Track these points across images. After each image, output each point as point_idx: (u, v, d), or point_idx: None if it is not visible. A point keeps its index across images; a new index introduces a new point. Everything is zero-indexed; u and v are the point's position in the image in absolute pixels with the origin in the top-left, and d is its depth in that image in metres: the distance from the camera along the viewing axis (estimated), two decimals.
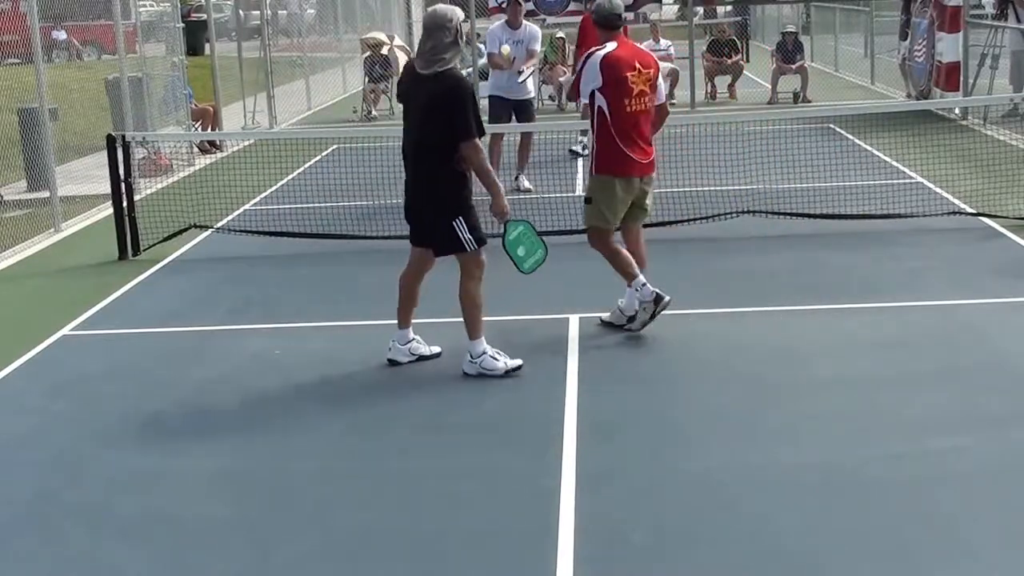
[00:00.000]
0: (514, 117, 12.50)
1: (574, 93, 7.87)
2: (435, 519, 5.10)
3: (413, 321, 7.15)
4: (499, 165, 11.71)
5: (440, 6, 6.63)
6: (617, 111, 7.47)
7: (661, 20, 25.41)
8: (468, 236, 6.69)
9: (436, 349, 7.14)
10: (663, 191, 11.31)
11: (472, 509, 5.21)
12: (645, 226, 10.30)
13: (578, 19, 23.81)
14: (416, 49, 6.54)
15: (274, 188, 13.37)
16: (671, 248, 9.86)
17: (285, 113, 20.25)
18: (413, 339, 7.11)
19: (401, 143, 6.86)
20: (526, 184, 12.64)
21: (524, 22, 13.09)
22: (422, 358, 7.09)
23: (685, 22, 19.39)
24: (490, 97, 12.91)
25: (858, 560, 4.60)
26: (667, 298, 7.41)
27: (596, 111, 7.59)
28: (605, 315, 7.72)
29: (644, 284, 7.40)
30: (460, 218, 6.67)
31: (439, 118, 6.50)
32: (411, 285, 7.07)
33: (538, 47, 13.34)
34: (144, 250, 10.35)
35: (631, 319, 7.54)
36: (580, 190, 12.67)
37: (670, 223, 10.24)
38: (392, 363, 7.05)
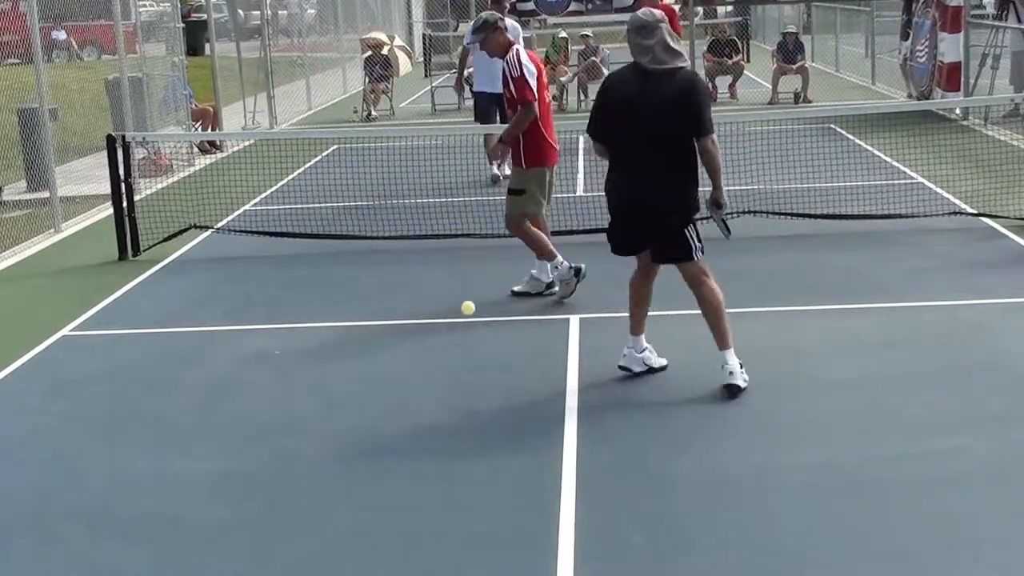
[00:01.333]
0: (498, 112, 12.49)
1: (527, 94, 8.05)
2: (435, 519, 5.10)
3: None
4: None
5: (642, 11, 6.51)
6: (541, 103, 8.13)
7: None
8: (697, 244, 6.51)
9: (663, 361, 6.82)
10: None
11: (472, 509, 5.21)
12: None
13: (578, 19, 23.94)
14: (637, 50, 6.37)
15: (274, 188, 13.36)
16: None
17: (285, 113, 20.25)
18: (647, 348, 6.81)
19: (624, 143, 6.52)
20: (507, 171, 12.74)
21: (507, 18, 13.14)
22: (651, 369, 6.76)
23: (685, 22, 19.39)
24: (476, 94, 12.93)
25: (858, 560, 4.60)
26: (583, 266, 8.11)
27: (539, 98, 8.09)
28: (518, 287, 8.35)
29: (562, 261, 8.11)
30: (693, 225, 6.50)
31: (683, 112, 6.34)
32: (641, 289, 6.76)
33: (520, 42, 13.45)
34: (144, 250, 10.35)
35: (549, 286, 8.29)
36: (581, 190, 12.68)
37: None
38: (624, 370, 6.72)
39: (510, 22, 14.48)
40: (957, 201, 10.96)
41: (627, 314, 8.06)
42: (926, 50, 17.58)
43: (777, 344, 7.27)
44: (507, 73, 8.09)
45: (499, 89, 12.75)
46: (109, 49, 22.16)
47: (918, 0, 18.34)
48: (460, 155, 12.01)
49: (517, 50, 8.15)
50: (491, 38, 8.23)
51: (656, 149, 6.38)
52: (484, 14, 8.51)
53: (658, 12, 6.44)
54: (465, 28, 22.42)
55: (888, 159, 13.59)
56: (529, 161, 8.16)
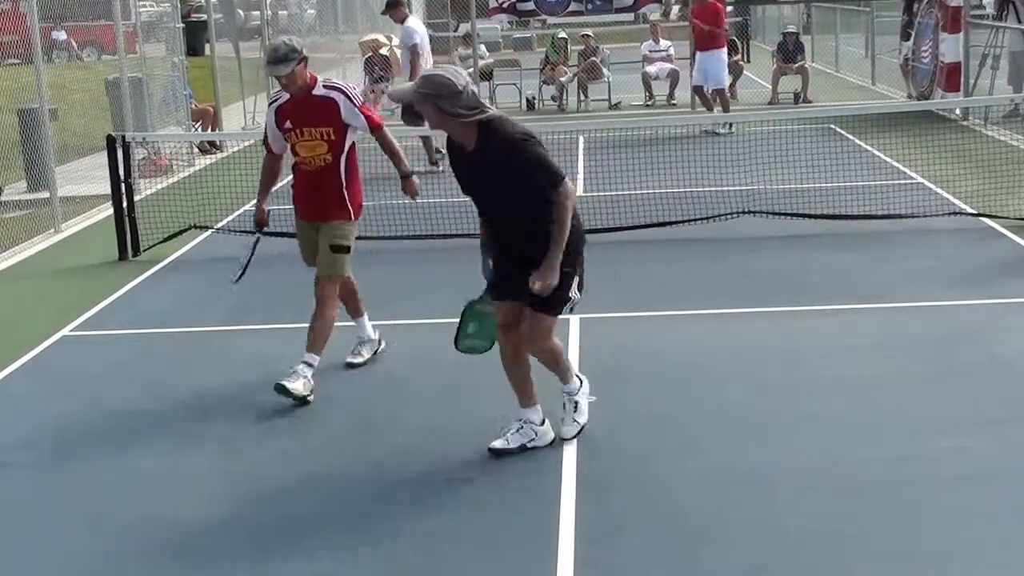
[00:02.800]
0: None
1: (376, 116, 7.01)
2: (436, 520, 5.10)
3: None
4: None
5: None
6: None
7: (661, 21, 25.43)
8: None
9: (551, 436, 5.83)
10: (664, 191, 11.35)
11: (473, 510, 5.21)
12: (647, 226, 10.44)
13: (579, 19, 23.95)
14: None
15: (274, 188, 13.31)
16: (671, 248, 9.88)
17: None
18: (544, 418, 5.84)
19: None
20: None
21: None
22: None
23: (686, 22, 19.40)
24: None
25: (858, 560, 4.60)
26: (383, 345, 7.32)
27: (349, 148, 6.83)
28: (357, 359, 7.17)
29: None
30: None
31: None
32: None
33: (410, 41, 13.85)
34: (144, 250, 10.35)
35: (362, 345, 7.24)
36: (581, 190, 12.67)
37: (670, 223, 10.24)
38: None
39: (416, 23, 14.60)
40: (957, 201, 10.96)
41: (627, 314, 8.10)
42: (930, 51, 17.57)
43: (777, 344, 7.27)
44: (342, 104, 6.66)
45: None
46: (109, 49, 22.15)
47: (920, 0, 18.34)
48: None
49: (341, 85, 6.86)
50: (297, 73, 6.55)
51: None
52: (284, 41, 6.65)
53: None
54: (465, 28, 22.44)
55: (888, 159, 13.59)
56: (356, 211, 6.86)
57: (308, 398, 6.51)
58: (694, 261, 9.46)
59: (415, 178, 7.06)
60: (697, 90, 17.16)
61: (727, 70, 17.14)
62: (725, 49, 17.06)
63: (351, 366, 7.09)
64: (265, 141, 7.05)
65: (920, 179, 12.10)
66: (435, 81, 5.29)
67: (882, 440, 5.73)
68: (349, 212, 6.83)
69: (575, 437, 5.82)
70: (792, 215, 10.37)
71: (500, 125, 5.37)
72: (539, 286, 5.34)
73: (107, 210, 11.32)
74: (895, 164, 13.23)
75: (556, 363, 5.89)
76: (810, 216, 10.34)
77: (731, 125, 15.70)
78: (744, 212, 10.43)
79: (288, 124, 6.74)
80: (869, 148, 14.41)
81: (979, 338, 7.26)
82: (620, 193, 11.80)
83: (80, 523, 5.24)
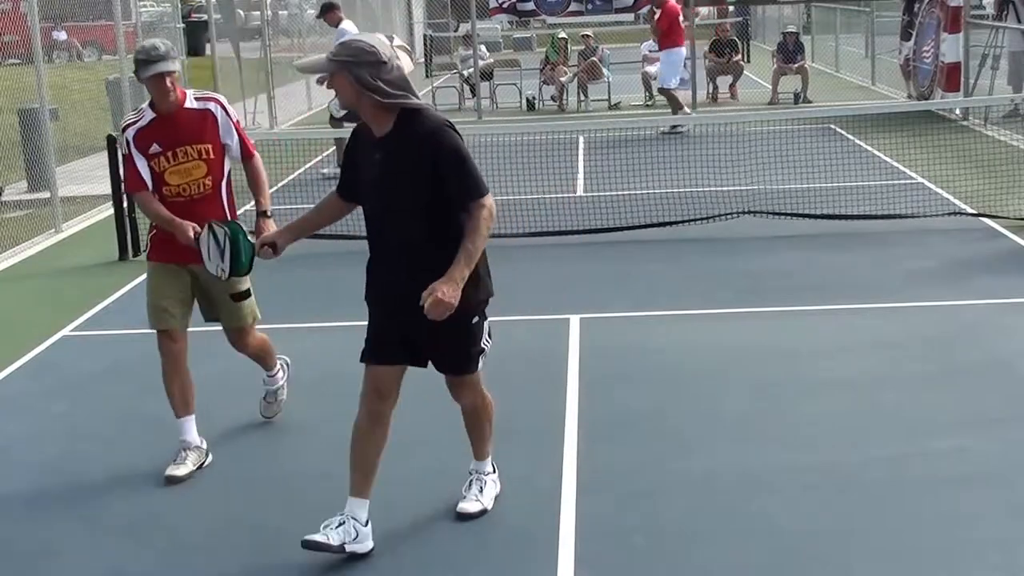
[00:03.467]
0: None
1: (249, 143, 5.91)
2: (436, 520, 5.10)
3: None
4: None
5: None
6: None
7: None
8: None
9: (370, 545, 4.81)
10: (664, 191, 11.35)
11: None
12: (647, 226, 10.44)
13: (579, 19, 23.98)
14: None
15: (274, 189, 13.32)
16: (671, 248, 9.88)
17: (285, 114, 20.25)
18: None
19: None
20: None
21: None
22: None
23: (686, 22, 19.37)
24: None
25: (858, 560, 4.60)
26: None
27: (228, 174, 5.86)
28: (269, 414, 6.35)
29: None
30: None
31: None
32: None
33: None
34: (144, 250, 10.34)
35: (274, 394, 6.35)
36: (581, 190, 12.68)
37: (670, 223, 10.24)
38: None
39: (352, 26, 14.58)
40: (957, 201, 10.97)
41: (627, 314, 8.09)
42: (931, 51, 17.57)
43: (777, 344, 7.27)
44: (219, 116, 5.73)
45: None
46: (110, 49, 22.14)
47: (920, 0, 18.34)
48: None
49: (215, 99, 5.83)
50: (176, 80, 5.71)
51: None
52: (160, 40, 5.75)
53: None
54: (465, 28, 22.45)
55: (888, 159, 13.59)
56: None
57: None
58: (694, 261, 9.46)
59: (272, 222, 5.80)
60: (661, 91, 17.30)
61: (680, 71, 17.15)
62: (682, 49, 17.06)
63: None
64: (128, 179, 5.75)
65: (920, 179, 12.10)
66: (353, 46, 4.45)
67: (882, 440, 5.74)
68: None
69: (474, 517, 5.04)
70: (792, 215, 10.37)
71: (428, 114, 4.54)
72: (431, 301, 4.36)
73: (108, 210, 11.33)
74: (895, 164, 13.23)
75: (484, 423, 5.04)
76: (810, 216, 10.34)
77: (681, 126, 15.77)
78: (744, 212, 10.44)
79: (155, 147, 5.59)
80: (869, 148, 14.41)
81: (979, 338, 7.26)
82: (620, 193, 11.82)
83: (80, 523, 5.24)
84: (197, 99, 5.75)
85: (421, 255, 4.53)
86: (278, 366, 6.33)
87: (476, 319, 4.68)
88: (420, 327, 4.52)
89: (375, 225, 4.67)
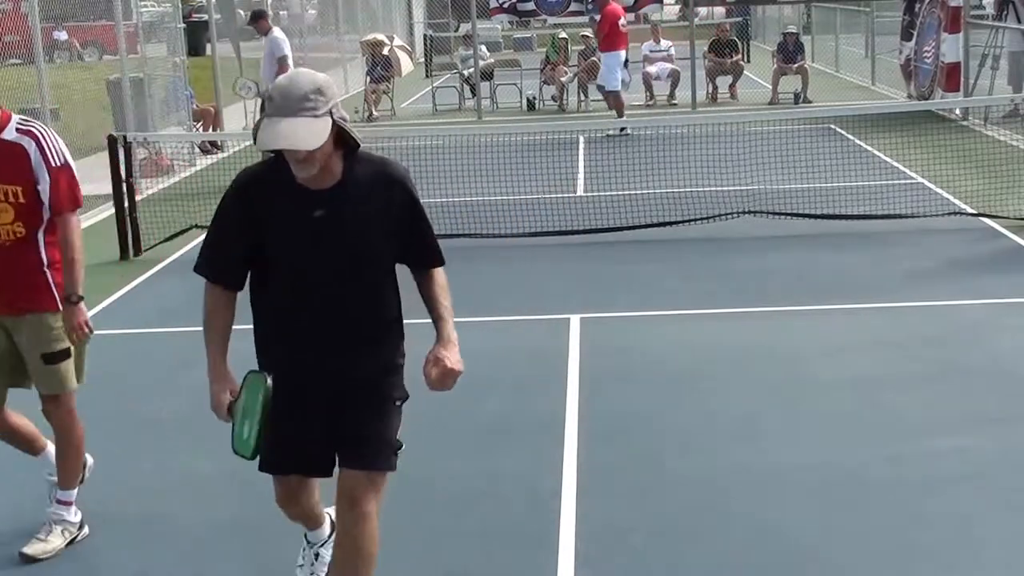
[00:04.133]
0: None
1: (78, 191, 4.98)
2: (436, 519, 5.11)
3: None
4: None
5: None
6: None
7: (662, 21, 25.44)
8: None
9: None
10: (664, 191, 11.36)
11: (473, 509, 5.22)
12: (647, 226, 10.46)
13: (578, 19, 23.96)
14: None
15: None
16: (671, 248, 9.88)
17: None
18: None
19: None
20: None
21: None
22: None
23: (686, 23, 19.40)
24: None
25: (858, 560, 4.60)
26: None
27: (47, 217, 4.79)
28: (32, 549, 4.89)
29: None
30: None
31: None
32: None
33: (279, 52, 13.55)
34: (145, 250, 10.36)
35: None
36: (581, 190, 12.69)
37: (670, 223, 10.25)
38: None
39: (281, 34, 14.58)
40: (957, 201, 10.97)
41: (627, 314, 8.10)
42: (932, 51, 17.57)
43: (777, 344, 7.27)
44: (32, 153, 4.74)
45: None
46: (110, 49, 22.13)
47: (921, 0, 18.34)
48: (460, 155, 12.02)
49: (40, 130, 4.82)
50: None
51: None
52: None
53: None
54: (465, 28, 22.46)
55: (888, 159, 13.60)
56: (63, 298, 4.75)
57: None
58: (694, 261, 9.47)
59: (83, 306, 4.74)
60: (603, 93, 17.42)
61: (620, 74, 17.18)
62: (622, 52, 17.08)
63: (27, 558, 4.84)
64: None
65: (920, 179, 12.11)
66: (319, 80, 3.70)
67: (882, 440, 5.74)
68: (55, 299, 4.73)
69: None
70: (792, 215, 10.38)
71: (383, 158, 3.87)
72: (438, 373, 3.80)
73: (108, 210, 11.33)
74: (895, 164, 13.24)
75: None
76: (810, 216, 10.35)
77: (625, 128, 15.81)
78: (744, 212, 10.44)
79: None
80: (869, 148, 14.42)
81: (979, 338, 7.27)
82: (620, 193, 11.82)
83: None
84: (19, 129, 4.71)
85: (365, 320, 3.82)
86: (79, 477, 5.07)
87: (399, 400, 4.01)
88: (340, 415, 3.86)
89: (297, 296, 3.80)
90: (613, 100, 16.96)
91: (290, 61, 14.49)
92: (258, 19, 14.75)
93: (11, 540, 5.00)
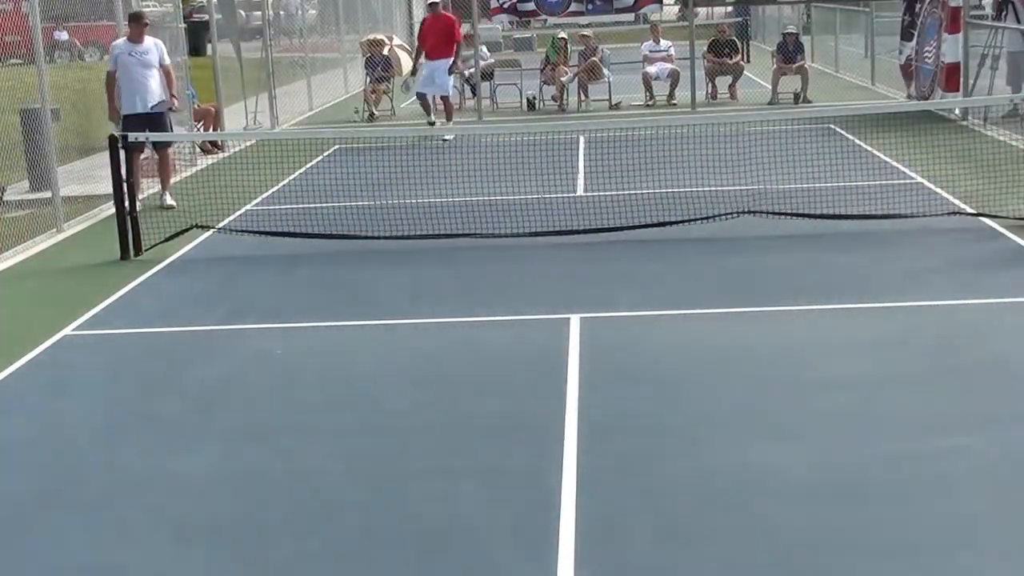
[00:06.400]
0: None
1: None
2: (436, 519, 5.11)
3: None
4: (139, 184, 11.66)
5: None
6: None
7: (662, 21, 25.44)
8: None
9: None
10: (664, 191, 11.36)
11: (472, 509, 5.22)
12: (647, 226, 10.46)
13: (579, 19, 23.95)
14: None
15: (276, 188, 13.38)
16: (672, 248, 9.88)
17: (287, 114, 20.26)
18: None
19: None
20: (169, 201, 12.48)
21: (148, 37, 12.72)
22: None
23: (686, 23, 19.42)
24: (125, 118, 12.32)
25: (858, 560, 4.61)
26: None
27: None
28: None
29: None
30: None
31: None
32: None
33: (168, 59, 13.13)
34: (146, 250, 10.36)
35: None
36: (581, 190, 12.70)
37: (670, 223, 10.25)
38: None
39: (154, 41, 14.04)
40: (957, 201, 10.97)
41: (627, 313, 8.11)
42: (933, 51, 17.57)
43: (776, 344, 7.28)
44: None
45: (152, 108, 12.07)
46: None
47: (922, 0, 18.34)
48: (460, 155, 12.03)
49: None
50: None
51: None
52: None
53: None
54: (465, 28, 22.45)
55: (888, 159, 13.60)
56: None
57: None
58: (694, 261, 9.47)
59: None
60: (420, 97, 17.55)
61: (448, 78, 17.23)
62: (450, 60, 17.08)
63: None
64: None
65: (920, 179, 12.11)
66: None
67: (882, 440, 5.75)
68: None
69: None
70: (792, 215, 10.38)
71: None
72: None
73: (109, 210, 11.34)
74: (895, 164, 13.24)
75: None
76: (810, 216, 10.35)
77: (452, 135, 15.72)
78: (744, 212, 10.44)
79: None
80: (869, 148, 14.42)
81: (979, 338, 7.27)
82: (620, 193, 11.82)
83: (80, 523, 5.25)
84: None
85: None
86: None
87: None
88: None
89: None
90: (445, 104, 17.26)
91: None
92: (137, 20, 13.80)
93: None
